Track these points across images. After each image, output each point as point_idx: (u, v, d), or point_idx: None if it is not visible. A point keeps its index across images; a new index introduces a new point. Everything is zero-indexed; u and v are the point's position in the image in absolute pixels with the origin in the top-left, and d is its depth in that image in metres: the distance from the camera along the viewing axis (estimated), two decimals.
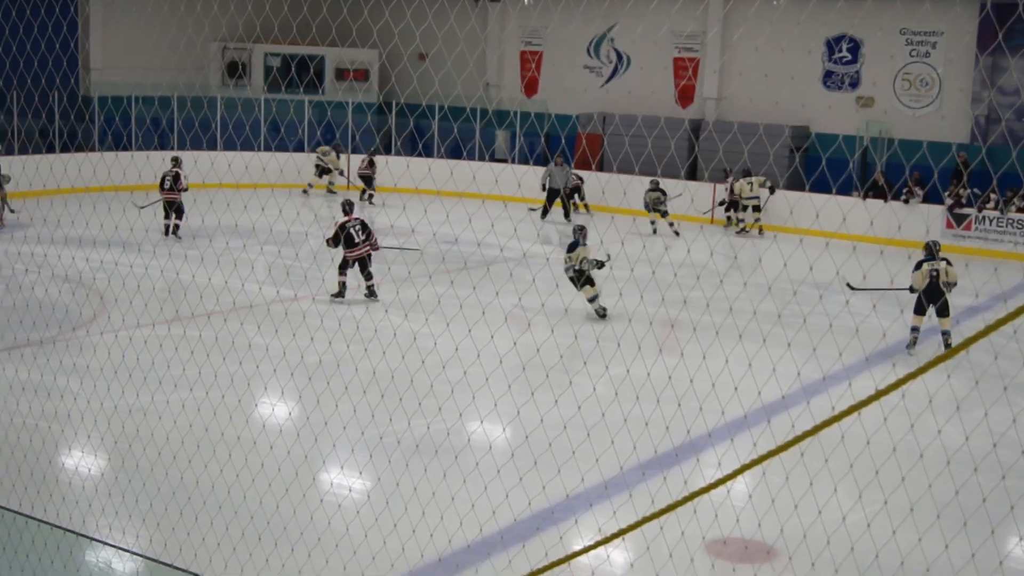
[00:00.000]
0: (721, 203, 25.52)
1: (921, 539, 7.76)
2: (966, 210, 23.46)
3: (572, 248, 15.62)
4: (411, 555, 7.96)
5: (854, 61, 26.92)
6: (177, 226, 20.52)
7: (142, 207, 19.55)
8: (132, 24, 27.34)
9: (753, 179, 24.05)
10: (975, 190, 23.95)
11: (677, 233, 23.16)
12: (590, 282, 15.62)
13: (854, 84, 26.96)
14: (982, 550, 8.02)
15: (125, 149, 26.16)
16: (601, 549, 8.04)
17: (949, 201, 23.61)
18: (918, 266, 14.38)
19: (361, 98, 30.33)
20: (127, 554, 8.04)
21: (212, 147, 27.73)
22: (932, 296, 14.22)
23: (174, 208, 20.44)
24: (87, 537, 8.11)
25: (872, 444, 8.15)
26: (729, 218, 25.29)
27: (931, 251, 14.44)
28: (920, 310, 14.45)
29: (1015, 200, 23.29)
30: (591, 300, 15.75)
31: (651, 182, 23.96)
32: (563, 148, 28.33)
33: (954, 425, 10.43)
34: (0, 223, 20.80)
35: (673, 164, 26.49)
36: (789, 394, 10.96)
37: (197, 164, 23.62)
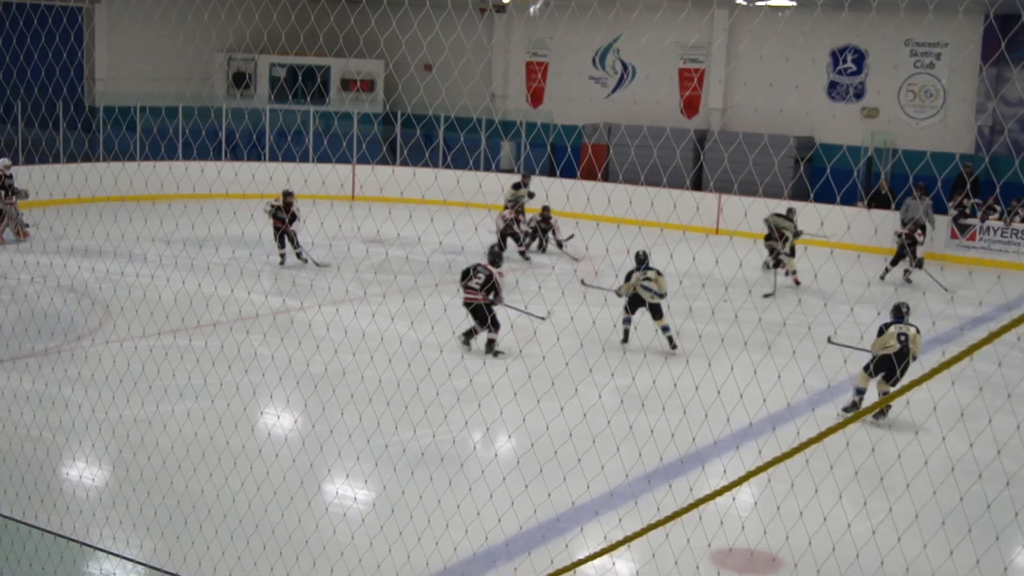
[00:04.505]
0: None
1: (926, 547, 7.74)
2: (970, 221, 23.44)
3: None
4: (416, 565, 7.96)
5: (859, 72, 26.94)
6: (298, 253, 19.96)
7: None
8: (138, 34, 27.44)
9: None
10: (977, 200, 23.92)
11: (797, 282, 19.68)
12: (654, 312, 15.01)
13: (859, 95, 26.97)
14: (986, 558, 8.01)
15: (131, 159, 26.18)
16: (606, 558, 8.06)
17: (954, 212, 23.60)
18: (883, 329, 12.53)
19: (367, 108, 30.37)
20: (130, 564, 8.04)
21: (218, 157, 27.78)
22: (896, 362, 12.19)
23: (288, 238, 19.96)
24: (90, 547, 8.10)
25: (877, 452, 8.17)
26: None
27: (900, 313, 12.67)
28: (874, 371, 12.41)
29: (1019, 210, 23.26)
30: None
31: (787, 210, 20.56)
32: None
33: (958, 433, 10.42)
34: (23, 235, 20.70)
35: (679, 174, 26.52)
36: (794, 403, 10.94)
37: (204, 173, 23.63)
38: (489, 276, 14.75)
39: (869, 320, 14.73)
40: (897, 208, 23.44)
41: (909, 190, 23.95)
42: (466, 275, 14.93)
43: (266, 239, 19.07)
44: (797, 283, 19.42)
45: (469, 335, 14.85)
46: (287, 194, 19.88)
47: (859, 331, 10.75)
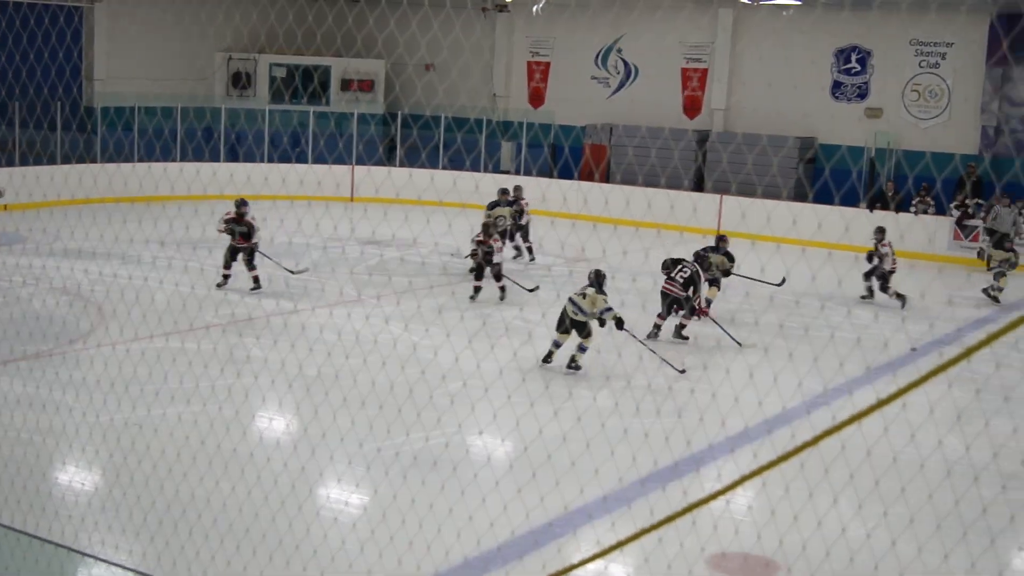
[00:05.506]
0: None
1: (921, 550, 7.66)
2: (973, 221, 23.32)
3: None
4: (407, 569, 7.87)
5: (863, 72, 26.83)
6: (255, 277, 17.11)
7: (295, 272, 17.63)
8: (136, 34, 27.33)
9: None
10: (979, 200, 23.79)
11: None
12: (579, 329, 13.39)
13: (862, 95, 26.86)
14: (981, 560, 7.93)
15: (127, 160, 26.07)
16: (600, 562, 7.96)
17: (956, 212, 23.47)
18: None
19: (365, 109, 30.25)
20: (120, 569, 7.96)
21: (215, 158, 27.68)
22: None
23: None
24: (80, 552, 8.03)
25: (872, 455, 8.08)
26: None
27: None
28: None
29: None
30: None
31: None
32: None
33: (955, 435, 10.34)
34: None
35: (679, 175, 26.46)
36: (790, 405, 10.84)
37: (199, 174, 23.57)
38: (693, 274, 14.85)
39: (867, 321, 14.67)
40: (903, 209, 23.31)
41: (909, 191, 23.85)
42: (668, 266, 15.07)
43: (263, 239, 18.11)
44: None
45: (658, 328, 14.84)
46: (240, 204, 17.18)
47: (856, 332, 10.69)
